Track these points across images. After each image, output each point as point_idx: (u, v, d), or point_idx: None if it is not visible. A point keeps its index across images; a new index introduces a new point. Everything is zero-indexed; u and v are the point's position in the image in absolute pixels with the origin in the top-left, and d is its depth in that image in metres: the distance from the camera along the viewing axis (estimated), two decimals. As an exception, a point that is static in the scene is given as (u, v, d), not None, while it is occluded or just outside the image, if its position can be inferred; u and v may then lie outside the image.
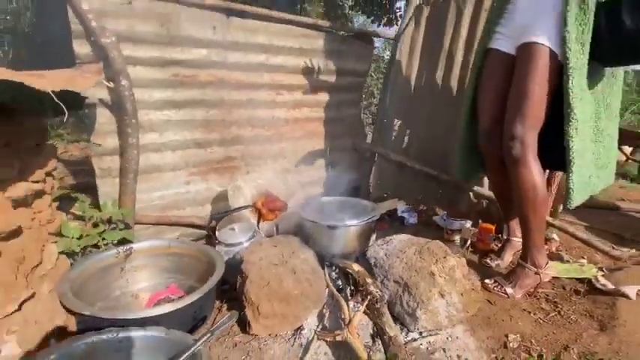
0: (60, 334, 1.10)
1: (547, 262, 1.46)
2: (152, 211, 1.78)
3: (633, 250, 2.01)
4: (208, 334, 0.97)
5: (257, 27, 1.90)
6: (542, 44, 1.27)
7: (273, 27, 1.96)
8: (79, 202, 1.40)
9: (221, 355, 1.11)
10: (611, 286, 1.52)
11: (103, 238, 1.37)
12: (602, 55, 1.28)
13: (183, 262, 1.41)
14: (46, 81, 1.07)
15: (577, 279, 1.64)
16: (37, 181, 1.15)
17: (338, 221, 1.40)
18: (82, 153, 3.27)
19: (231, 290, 1.36)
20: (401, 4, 5.71)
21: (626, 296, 1.45)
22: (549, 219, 1.84)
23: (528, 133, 1.28)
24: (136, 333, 0.96)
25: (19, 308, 1.01)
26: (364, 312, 1.17)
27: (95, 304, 1.22)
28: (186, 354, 0.90)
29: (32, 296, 1.07)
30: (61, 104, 0.91)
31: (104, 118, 1.60)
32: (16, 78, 0.88)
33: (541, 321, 1.35)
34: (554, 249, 1.90)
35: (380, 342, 1.06)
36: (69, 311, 1.06)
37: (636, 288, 1.47)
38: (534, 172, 1.30)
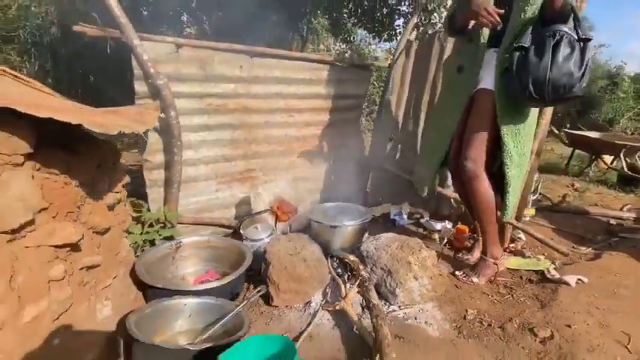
0: (135, 305, 1.52)
1: (502, 254, 1.84)
2: (189, 213, 2.20)
3: (589, 249, 2.39)
4: (245, 301, 1.38)
5: (274, 64, 2.32)
6: (489, 89, 1.66)
7: (287, 63, 2.38)
8: (141, 208, 1.81)
9: (252, 320, 1.52)
10: (558, 276, 1.90)
11: (160, 235, 1.78)
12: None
13: (219, 253, 1.83)
14: (123, 118, 1.49)
15: (534, 271, 2.02)
16: (118, 192, 1.57)
17: (338, 222, 1.80)
18: (130, 160, 3.70)
19: (255, 275, 1.76)
20: (400, 21, 6.13)
21: (567, 283, 1.82)
22: (514, 222, 2.21)
23: (479, 155, 1.67)
24: (194, 299, 1.37)
25: (111, 284, 1.43)
26: (357, 290, 1.57)
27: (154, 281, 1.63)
28: (232, 313, 1.31)
29: (117, 276, 1.49)
30: (142, 135, 1.32)
31: (154, 139, 2.03)
32: (103, 119, 1.29)
33: (496, 301, 1.73)
34: (519, 247, 2.28)
35: (367, 311, 1.46)
36: (144, 285, 1.48)
37: (576, 277, 1.84)
38: (485, 185, 1.68)
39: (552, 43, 1.45)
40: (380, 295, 1.63)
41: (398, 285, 1.58)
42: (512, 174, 1.67)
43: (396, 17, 6.05)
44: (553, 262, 2.08)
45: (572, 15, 1.53)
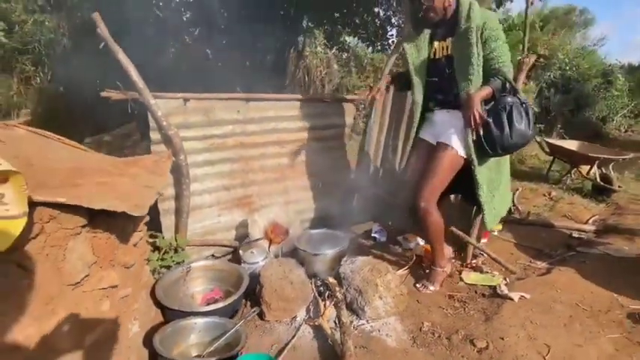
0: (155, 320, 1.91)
1: (447, 262, 2.26)
2: (196, 237, 2.58)
3: (544, 264, 2.75)
4: (243, 320, 1.76)
5: (268, 106, 2.67)
6: (451, 146, 2.02)
7: (279, 104, 2.73)
8: (159, 240, 2.19)
9: (248, 332, 1.90)
10: (506, 292, 2.26)
11: (173, 261, 2.17)
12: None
13: (222, 275, 2.21)
14: (144, 171, 1.86)
15: (488, 286, 2.39)
16: (140, 230, 1.94)
17: (320, 250, 2.18)
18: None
19: (251, 293, 2.14)
20: (393, 31, 6.39)
21: (512, 299, 2.18)
22: (473, 241, 2.57)
23: (431, 196, 2.04)
24: (203, 319, 1.76)
25: (137, 306, 1.82)
26: (333, 307, 1.95)
27: (170, 303, 2.02)
28: (232, 330, 1.69)
29: (141, 297, 1.87)
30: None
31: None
32: (133, 177, 1.66)
33: (449, 314, 2.10)
34: (480, 262, 2.64)
35: (338, 325, 1.84)
36: (162, 306, 1.86)
37: (519, 294, 2.20)
38: (434, 217, 2.08)
39: (506, 116, 1.87)
40: (353, 312, 2.01)
41: (366, 303, 1.95)
42: (485, 198, 2.09)
43: (389, 28, 6.32)
44: (505, 278, 2.44)
45: (509, 84, 1.90)
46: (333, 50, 8.27)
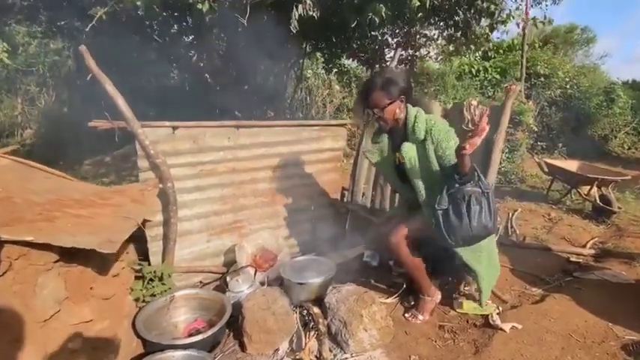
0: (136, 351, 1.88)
1: (435, 290, 2.20)
2: (184, 263, 2.57)
3: (539, 291, 2.68)
4: (221, 354, 1.72)
5: (259, 132, 2.70)
6: None
7: (269, 130, 2.75)
8: (142, 268, 2.18)
9: (229, 366, 1.86)
10: (498, 322, 2.19)
11: (157, 291, 2.15)
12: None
13: (205, 304, 2.18)
14: (129, 200, 1.87)
15: (481, 315, 2.32)
16: (122, 260, 1.94)
17: (305, 279, 2.15)
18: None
19: (235, 322, 2.11)
20: (391, 54, 6.49)
21: (503, 330, 2.12)
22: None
23: (402, 237, 2.06)
24: (181, 352, 1.73)
25: (115, 337, 1.79)
26: (315, 340, 1.90)
27: (152, 332, 1.99)
28: (210, 364, 1.66)
29: (121, 329, 1.85)
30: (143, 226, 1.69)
31: (155, 201, 2.41)
32: (116, 208, 1.67)
33: (438, 346, 2.05)
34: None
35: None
36: (141, 338, 1.84)
37: (511, 325, 2.14)
38: (405, 252, 2.08)
39: (465, 205, 1.87)
40: (337, 344, 1.96)
41: (351, 336, 1.91)
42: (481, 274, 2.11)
43: (386, 51, 6.43)
44: (498, 307, 2.38)
45: (476, 172, 1.90)
46: (334, 72, 8.41)
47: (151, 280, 2.18)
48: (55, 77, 8.27)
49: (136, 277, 2.15)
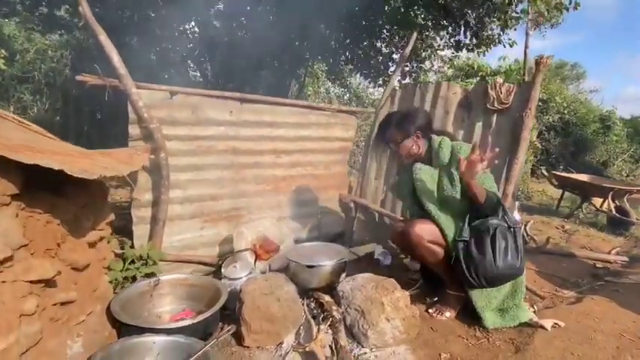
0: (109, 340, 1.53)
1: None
2: (173, 251, 2.25)
3: (572, 293, 2.39)
4: (214, 340, 1.39)
5: (263, 109, 2.48)
6: None
7: (275, 109, 2.54)
8: (124, 245, 1.88)
9: (221, 360, 1.52)
10: (535, 319, 1.89)
11: (140, 272, 1.83)
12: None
13: (196, 291, 1.85)
14: (112, 160, 1.60)
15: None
16: (101, 229, 1.64)
17: (315, 262, 1.84)
18: (124, 198, 3.84)
19: (231, 314, 1.78)
20: (394, 67, 6.48)
21: (544, 327, 1.82)
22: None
23: (423, 232, 1.80)
24: (164, 338, 1.40)
25: (85, 320, 1.46)
26: (328, 331, 1.58)
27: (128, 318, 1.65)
28: (199, 353, 1.33)
29: (92, 312, 1.52)
30: (129, 180, 1.41)
31: (144, 178, 2.13)
32: (96, 160, 1.40)
33: (470, 345, 1.73)
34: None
35: (335, 351, 1.47)
36: (118, 325, 1.50)
37: (552, 321, 1.84)
38: (427, 246, 1.80)
39: (489, 239, 1.70)
40: (353, 337, 1.64)
41: (370, 326, 1.59)
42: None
43: (390, 64, 6.41)
44: (532, 306, 2.08)
45: (500, 206, 1.76)
46: (335, 90, 8.39)
47: (133, 262, 1.86)
48: (50, 86, 8.11)
49: (116, 258, 1.83)
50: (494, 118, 2.33)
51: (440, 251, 1.82)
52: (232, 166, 2.46)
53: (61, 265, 1.27)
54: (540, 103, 9.95)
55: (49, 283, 1.17)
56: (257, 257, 2.07)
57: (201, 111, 2.21)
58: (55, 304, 1.22)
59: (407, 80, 5.86)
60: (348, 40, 5.39)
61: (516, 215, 2.39)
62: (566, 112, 9.88)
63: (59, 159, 1.08)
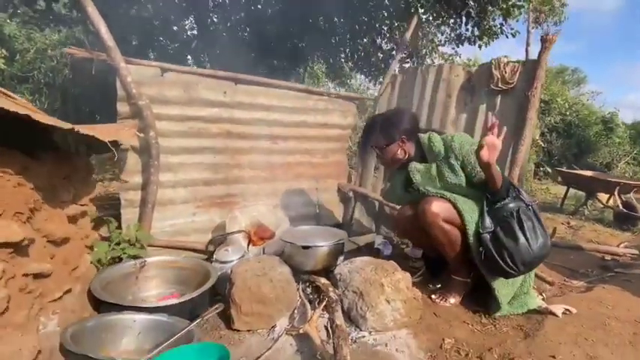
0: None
1: (471, 273, 1.76)
2: (163, 236, 2.15)
3: (581, 283, 2.28)
4: (199, 319, 1.29)
5: (259, 91, 2.40)
6: None
7: (272, 91, 2.46)
8: (109, 225, 1.78)
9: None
10: (544, 306, 1.78)
11: (125, 253, 1.73)
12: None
13: (185, 275, 1.75)
14: (98, 132, 1.51)
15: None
16: (83, 205, 1.55)
17: (310, 243, 1.74)
18: (106, 191, 3.77)
19: (222, 299, 1.67)
20: (396, 66, 6.41)
21: (554, 314, 1.71)
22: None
23: (439, 207, 1.68)
24: (146, 316, 1.29)
25: (61, 297, 1.36)
26: (323, 312, 1.47)
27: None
28: (182, 332, 1.22)
29: (70, 290, 1.42)
30: (113, 148, 1.33)
31: (133, 160, 2.04)
32: (80, 129, 1.31)
33: (476, 331, 1.61)
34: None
35: (331, 330, 1.36)
36: (99, 303, 1.40)
37: (563, 307, 1.73)
38: (441, 225, 1.68)
39: (515, 223, 1.59)
40: (351, 321, 1.53)
41: (369, 308, 1.48)
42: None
43: (391, 62, 6.35)
44: (541, 294, 1.97)
45: (512, 186, 1.68)
46: (335, 89, 8.32)
47: (119, 243, 1.76)
48: (49, 86, 8.08)
49: (100, 238, 1.73)
50: (499, 99, 2.25)
51: (455, 232, 1.70)
52: (226, 151, 2.37)
53: (35, 234, 1.17)
54: (542, 104, 9.89)
55: (18, 249, 1.07)
56: (250, 240, 1.97)
57: (194, 90, 2.13)
58: (26, 275, 1.12)
59: (407, 64, 5.77)
60: (348, 36, 5.33)
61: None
62: (567, 113, 9.80)
63: (29, 111, 1.00)
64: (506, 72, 2.14)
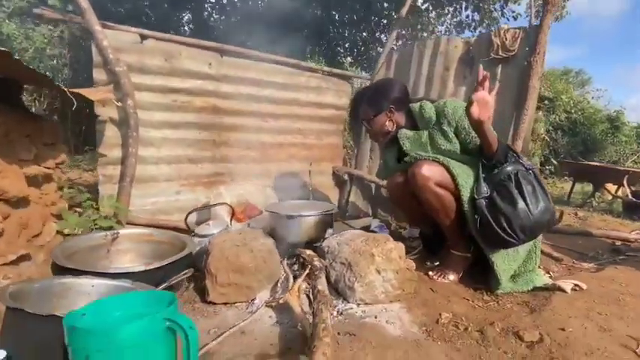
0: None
1: (471, 248, 1.62)
2: (145, 215, 2.03)
3: (592, 265, 2.12)
4: (166, 283, 1.16)
5: (247, 65, 2.29)
6: None
7: (261, 65, 2.35)
8: (81, 194, 1.66)
9: (181, 316, 1.28)
10: (553, 282, 1.63)
11: (97, 225, 1.61)
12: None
13: (161, 249, 1.62)
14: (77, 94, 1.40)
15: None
16: (48, 168, 1.43)
17: (297, 212, 1.61)
18: (95, 179, 3.66)
19: (200, 275, 1.54)
20: (392, 44, 6.31)
21: (563, 290, 1.56)
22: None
23: (430, 171, 1.56)
24: (107, 281, 1.16)
25: (17, 263, 1.24)
26: (306, 281, 1.34)
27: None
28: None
29: (29, 258, 1.30)
30: (72, 97, 1.21)
31: (111, 132, 1.93)
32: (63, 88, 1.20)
33: (477, 306, 1.47)
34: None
35: (313, 296, 1.22)
36: (59, 268, 1.28)
37: (572, 282, 1.59)
38: (434, 190, 1.56)
39: (514, 187, 1.47)
40: (338, 294, 1.39)
41: (357, 278, 1.35)
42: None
43: (386, 39, 6.25)
44: (548, 273, 1.82)
45: (510, 150, 1.55)
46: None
47: (90, 215, 1.64)
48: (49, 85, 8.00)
49: (69, 205, 1.61)
50: (500, 68, 2.12)
51: (448, 197, 1.56)
52: (213, 127, 2.26)
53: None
54: (546, 102, 9.73)
55: (-46, 197, 0.95)
56: (234, 215, 1.84)
57: (176, 60, 2.03)
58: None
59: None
60: (346, 29, 5.24)
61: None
62: (573, 111, 9.63)
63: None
64: (506, 39, 2.02)
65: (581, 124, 9.89)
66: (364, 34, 5.58)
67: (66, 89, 1.24)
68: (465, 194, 1.53)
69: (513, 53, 2.04)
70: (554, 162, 4.90)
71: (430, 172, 1.54)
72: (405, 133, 1.71)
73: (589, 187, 4.83)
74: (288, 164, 2.58)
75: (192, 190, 2.21)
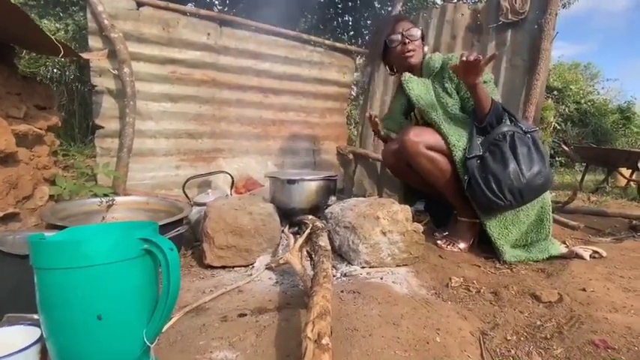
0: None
1: (473, 215, 1.55)
2: (143, 189, 1.98)
3: (609, 240, 2.02)
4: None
5: (247, 36, 2.23)
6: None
7: (261, 37, 2.28)
8: (75, 160, 1.61)
9: (176, 279, 1.22)
10: (570, 249, 1.54)
11: (91, 192, 1.55)
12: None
13: (159, 217, 1.55)
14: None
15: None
16: (39, 128, 1.38)
17: (298, 177, 1.54)
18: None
19: (198, 247, 1.48)
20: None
21: (581, 256, 1.47)
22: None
23: (420, 138, 1.49)
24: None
25: (5, 221, 1.19)
26: (307, 242, 1.27)
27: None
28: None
29: (18, 218, 1.25)
30: (60, 47, 1.16)
31: (108, 104, 1.89)
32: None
33: (489, 272, 1.39)
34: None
35: (313, 252, 1.15)
36: (48, 226, 1.22)
37: (591, 249, 1.50)
38: (427, 154, 1.49)
39: (507, 147, 1.41)
40: (342, 258, 1.32)
41: (361, 240, 1.27)
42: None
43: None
44: (564, 242, 1.73)
45: (506, 113, 1.49)
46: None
47: (85, 182, 1.59)
48: (56, 82, 8.07)
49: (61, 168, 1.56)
50: (509, 34, 2.02)
51: (443, 159, 1.50)
52: (213, 101, 2.20)
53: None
54: (555, 92, 9.54)
55: None
56: (233, 185, 1.78)
57: (174, 29, 1.98)
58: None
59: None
60: (350, 16, 5.15)
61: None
62: (582, 101, 9.42)
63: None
64: (516, 1, 1.93)
65: (591, 114, 9.68)
66: (368, 22, 5.48)
67: (56, 40, 1.18)
68: (458, 155, 1.46)
69: (523, 16, 1.95)
70: (566, 148, 4.74)
71: (418, 137, 1.48)
72: (410, 76, 1.64)
73: (601, 177, 4.70)
74: (291, 142, 2.51)
75: (192, 166, 2.15)
